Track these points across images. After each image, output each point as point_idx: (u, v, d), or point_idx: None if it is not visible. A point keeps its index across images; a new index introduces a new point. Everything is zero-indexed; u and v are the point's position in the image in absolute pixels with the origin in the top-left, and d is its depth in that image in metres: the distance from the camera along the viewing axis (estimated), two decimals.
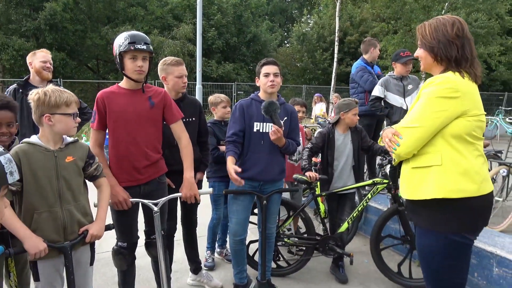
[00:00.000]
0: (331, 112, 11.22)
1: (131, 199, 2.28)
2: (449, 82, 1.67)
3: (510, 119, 8.14)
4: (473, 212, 1.70)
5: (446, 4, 14.82)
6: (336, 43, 15.20)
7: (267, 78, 2.67)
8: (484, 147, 4.75)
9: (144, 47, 2.23)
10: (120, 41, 2.22)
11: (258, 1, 26.10)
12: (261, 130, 2.69)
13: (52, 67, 3.38)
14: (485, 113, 1.82)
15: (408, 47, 16.16)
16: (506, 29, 22.17)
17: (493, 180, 4.80)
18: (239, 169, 2.50)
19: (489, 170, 4.57)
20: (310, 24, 28.30)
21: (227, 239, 3.16)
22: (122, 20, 20.25)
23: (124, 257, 2.44)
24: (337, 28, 15.12)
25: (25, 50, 14.56)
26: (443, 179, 1.67)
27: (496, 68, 20.74)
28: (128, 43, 2.20)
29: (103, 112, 2.29)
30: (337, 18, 15.08)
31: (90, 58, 20.93)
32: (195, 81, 11.24)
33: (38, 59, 3.29)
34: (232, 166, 2.51)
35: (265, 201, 2.69)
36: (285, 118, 2.72)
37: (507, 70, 24.46)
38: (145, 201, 2.28)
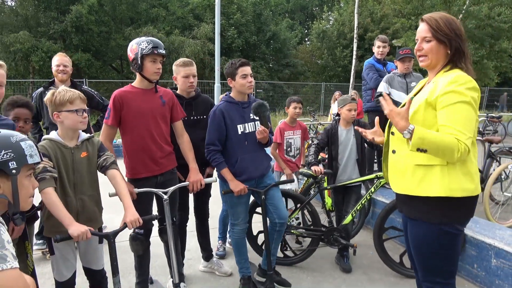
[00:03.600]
0: None
1: (143, 189, 2.50)
2: (471, 81, 1.71)
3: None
4: (467, 208, 1.80)
5: None
6: (355, 40, 15.13)
7: (246, 79, 2.71)
8: (496, 143, 4.76)
9: (164, 52, 2.53)
10: (143, 45, 2.47)
11: None
12: (244, 132, 2.77)
13: (68, 69, 3.67)
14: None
15: None
16: None
17: (506, 176, 4.82)
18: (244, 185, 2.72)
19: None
20: (331, 21, 28.13)
21: None
22: (144, 21, 20.82)
23: (140, 243, 2.68)
24: (356, 24, 15.05)
25: (53, 52, 15.18)
26: (448, 178, 1.74)
27: None
28: (152, 47, 2.46)
29: (119, 109, 2.53)
30: (356, 15, 15.01)
31: (114, 59, 21.58)
32: (215, 79, 11.49)
33: (54, 63, 3.64)
34: (235, 179, 2.72)
35: (263, 196, 2.79)
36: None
37: None
38: (155, 190, 2.50)
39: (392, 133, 1.93)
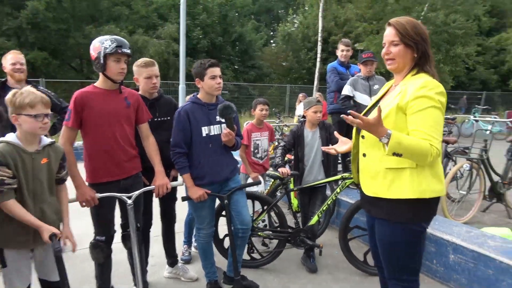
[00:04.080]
0: None
1: (106, 194, 2.40)
2: (440, 86, 1.76)
3: (481, 116, 8.43)
4: (434, 207, 1.88)
5: (426, 5, 15.20)
6: (319, 43, 15.40)
7: (214, 80, 2.65)
8: (452, 143, 4.99)
9: (129, 51, 2.44)
10: (107, 44, 2.37)
11: (243, 1, 26.24)
12: (209, 134, 2.71)
13: (24, 67, 3.46)
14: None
15: None
16: (484, 30, 22.77)
17: (461, 175, 5.06)
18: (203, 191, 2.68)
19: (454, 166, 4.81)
20: (296, 24, 28.55)
21: None
22: (106, 19, 20.14)
23: (101, 250, 2.58)
24: (320, 28, 15.32)
25: (6, 49, 14.28)
26: (417, 181, 1.78)
27: (475, 68, 21.26)
28: (116, 46, 2.37)
29: (80, 111, 2.42)
30: (320, 18, 15.29)
31: (74, 58, 20.74)
32: (179, 80, 11.31)
33: (8, 61, 3.41)
34: (194, 186, 2.67)
35: (226, 201, 2.76)
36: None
37: (485, 70, 25.10)
38: (118, 194, 2.41)
39: (363, 137, 1.95)
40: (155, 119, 2.93)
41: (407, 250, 1.89)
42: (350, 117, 1.65)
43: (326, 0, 15.35)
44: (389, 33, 1.87)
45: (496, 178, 4.74)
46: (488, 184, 4.68)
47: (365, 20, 19.17)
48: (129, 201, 2.38)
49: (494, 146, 5.07)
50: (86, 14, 19.84)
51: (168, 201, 3.15)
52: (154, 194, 2.67)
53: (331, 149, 2.37)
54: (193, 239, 3.75)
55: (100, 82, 2.51)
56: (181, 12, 10.53)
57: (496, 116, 12.98)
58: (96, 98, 2.45)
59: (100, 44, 2.38)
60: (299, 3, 22.04)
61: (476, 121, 10.05)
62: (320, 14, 15.14)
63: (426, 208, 1.85)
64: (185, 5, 10.63)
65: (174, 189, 3.02)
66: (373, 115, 1.67)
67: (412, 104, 1.74)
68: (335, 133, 2.41)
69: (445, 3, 15.31)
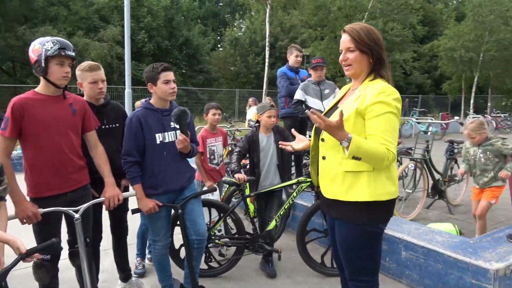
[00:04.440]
0: None
1: (50, 209, 2.20)
2: (396, 92, 1.81)
3: (417, 118, 9.02)
4: (390, 209, 1.93)
5: (366, 13, 16.03)
6: (267, 48, 15.63)
7: (168, 85, 2.55)
8: (397, 145, 5.24)
9: (73, 53, 2.27)
10: (48, 45, 2.18)
11: (190, 5, 25.94)
12: (163, 141, 2.59)
13: None
14: None
15: (334, 53, 17.18)
16: (418, 37, 24.48)
17: (405, 174, 5.34)
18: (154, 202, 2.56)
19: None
20: (243, 29, 28.77)
21: None
22: (41, 19, 18.90)
23: (46, 270, 2.35)
24: (267, 33, 15.56)
25: None
26: (374, 184, 1.82)
27: (411, 73, 22.77)
28: (58, 48, 2.18)
29: (19, 119, 2.19)
30: (267, 24, 15.53)
31: (5, 60, 19.21)
32: (125, 85, 10.88)
33: None
34: (145, 198, 2.55)
35: (180, 210, 2.65)
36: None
37: (420, 74, 26.94)
38: (64, 208, 2.22)
39: (322, 140, 1.96)
40: (103, 127, 2.75)
41: (366, 251, 1.93)
42: (314, 115, 1.64)
43: (272, 6, 15.62)
44: (344, 40, 1.90)
45: (437, 176, 5.06)
46: (431, 182, 4.97)
47: (310, 27, 19.78)
48: (77, 215, 2.20)
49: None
50: (18, 13, 18.47)
51: (119, 212, 2.97)
52: (104, 207, 2.50)
53: (288, 145, 2.37)
54: (147, 251, 3.59)
55: (41, 88, 2.30)
56: (125, 13, 10.16)
57: (432, 118, 13.97)
58: (38, 105, 2.24)
59: (40, 46, 2.19)
60: (246, 8, 22.22)
61: (418, 122, 10.72)
62: (267, 20, 15.37)
63: (383, 210, 1.90)
64: (129, 7, 10.28)
65: (125, 200, 2.84)
66: (334, 118, 1.68)
67: (371, 109, 1.79)
68: (292, 130, 2.42)
69: (383, 12, 16.30)
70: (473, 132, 3.79)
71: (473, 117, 18.21)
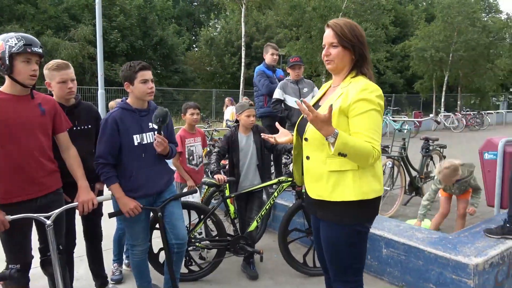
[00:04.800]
0: None
1: (19, 215, 2.07)
2: (379, 89, 1.78)
3: (393, 117, 9.20)
4: (375, 207, 1.91)
5: (340, 14, 16.25)
6: (243, 48, 15.60)
7: (146, 85, 2.45)
8: None
9: (40, 50, 2.14)
10: (12, 42, 2.04)
11: (163, 4, 25.57)
12: (142, 143, 2.49)
13: None
14: None
15: (309, 52, 17.34)
16: (391, 38, 25.06)
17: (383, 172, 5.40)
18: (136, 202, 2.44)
19: None
20: (218, 29, 28.61)
21: None
22: (7, 18, 18.16)
23: (16, 282, 2.22)
24: (243, 33, 15.53)
25: None
26: (359, 183, 1.79)
27: (385, 73, 23.29)
28: (24, 44, 2.05)
29: None
30: (242, 24, 15.50)
31: None
32: (97, 85, 10.59)
33: None
34: (125, 196, 2.43)
35: (160, 213, 2.55)
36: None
37: (393, 74, 27.60)
38: (35, 215, 2.09)
39: (306, 139, 1.92)
40: (75, 128, 2.61)
41: (351, 250, 1.90)
42: (303, 105, 1.60)
43: (247, 6, 15.60)
44: (327, 35, 1.88)
45: (414, 173, 5.14)
46: (408, 179, 5.05)
47: (286, 27, 19.89)
48: (48, 222, 2.07)
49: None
50: None
51: (93, 217, 2.83)
52: (78, 212, 2.37)
53: (271, 137, 2.33)
54: (124, 256, 3.46)
55: (6, 87, 2.15)
56: (97, 11, 9.89)
57: (405, 116, 14.31)
58: (3, 105, 2.10)
59: (3, 43, 2.05)
60: (221, 8, 22.12)
61: (395, 121, 10.92)
62: (242, 19, 15.33)
63: (369, 208, 1.87)
64: (101, 5, 10.00)
65: (99, 204, 2.73)
66: (322, 112, 1.64)
67: (354, 106, 1.76)
68: (276, 124, 2.36)
69: (357, 13, 16.61)
70: (447, 179, 3.85)
71: (444, 115, 18.82)
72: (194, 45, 32.82)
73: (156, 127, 2.45)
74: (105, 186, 2.83)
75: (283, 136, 2.30)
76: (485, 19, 23.52)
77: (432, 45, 21.11)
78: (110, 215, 2.48)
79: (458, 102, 24.25)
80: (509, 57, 22.73)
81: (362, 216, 1.86)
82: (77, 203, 2.29)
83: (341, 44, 1.83)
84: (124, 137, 2.44)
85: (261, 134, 2.51)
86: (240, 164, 3.41)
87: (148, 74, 2.47)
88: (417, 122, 11.76)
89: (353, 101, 1.76)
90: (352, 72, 1.88)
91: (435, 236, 3.07)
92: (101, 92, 10.14)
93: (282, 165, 4.79)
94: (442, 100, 23.07)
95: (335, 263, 1.96)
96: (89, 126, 2.72)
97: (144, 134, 2.50)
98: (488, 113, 19.79)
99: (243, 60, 15.57)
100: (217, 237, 3.36)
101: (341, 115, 1.80)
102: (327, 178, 1.85)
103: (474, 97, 28.28)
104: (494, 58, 23.11)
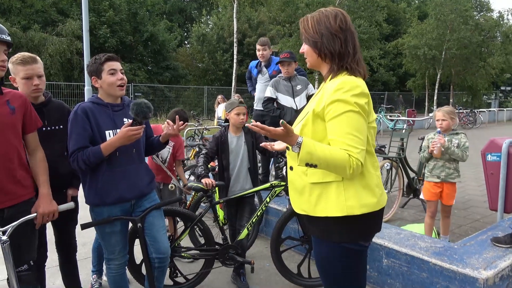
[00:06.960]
0: None
1: None
2: (358, 86, 1.53)
3: (390, 116, 9.02)
4: (370, 223, 1.65)
5: None
6: (235, 45, 15.33)
7: (115, 76, 2.20)
8: None
9: (8, 38, 1.88)
10: None
11: None
12: None
13: None
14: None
15: None
16: (384, 35, 24.96)
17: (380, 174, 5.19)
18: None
19: None
20: (210, 25, 28.23)
21: None
22: None
23: None
24: (235, 29, 15.25)
25: None
26: (344, 196, 1.56)
27: (378, 70, 23.19)
28: None
29: None
30: (235, 20, 15.21)
31: None
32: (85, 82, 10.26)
33: None
34: (120, 132, 2.10)
35: (139, 224, 2.28)
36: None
37: (386, 72, 27.55)
38: None
39: (288, 148, 1.68)
40: (44, 129, 2.33)
41: (344, 270, 1.67)
42: (256, 128, 1.49)
43: (240, 2, 15.32)
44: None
45: (412, 175, 4.94)
46: (406, 181, 4.84)
47: (278, 23, 19.63)
48: (4, 237, 1.79)
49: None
50: None
51: (66, 226, 2.56)
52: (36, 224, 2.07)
53: (269, 145, 2.12)
54: (104, 267, 3.20)
55: None
56: (83, 7, 9.54)
57: (399, 115, 14.16)
58: None
59: None
60: (213, 4, 21.75)
61: (392, 120, 10.74)
62: (234, 16, 15.05)
63: (359, 225, 1.61)
64: (87, 0, 9.66)
65: (72, 211, 2.44)
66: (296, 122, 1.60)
67: (328, 109, 1.53)
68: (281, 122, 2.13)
69: (351, 9, 16.40)
70: (447, 115, 3.58)
71: None
72: (185, 42, 32.39)
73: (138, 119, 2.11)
74: (78, 192, 2.57)
75: (282, 143, 2.06)
76: (477, 17, 23.49)
77: (425, 43, 21.04)
78: (83, 227, 2.19)
79: (451, 100, 24.24)
80: (500, 55, 22.73)
81: (351, 233, 1.61)
82: (35, 214, 2.00)
83: (305, 40, 1.67)
84: (96, 133, 2.17)
85: (261, 143, 2.28)
86: (230, 167, 3.16)
87: (116, 65, 2.21)
88: (410, 120, 11.60)
89: (327, 103, 1.54)
90: (333, 69, 1.64)
91: (439, 245, 2.85)
92: (87, 88, 9.80)
93: (276, 169, 4.55)
94: (435, 98, 23.05)
95: (328, 283, 1.74)
96: (61, 127, 2.44)
97: (118, 130, 2.20)
98: (480, 111, 19.76)
99: (235, 56, 15.30)
100: (204, 246, 3.11)
101: (317, 120, 1.58)
102: (309, 191, 1.63)
103: (466, 95, 28.31)
104: (486, 56, 23.13)
